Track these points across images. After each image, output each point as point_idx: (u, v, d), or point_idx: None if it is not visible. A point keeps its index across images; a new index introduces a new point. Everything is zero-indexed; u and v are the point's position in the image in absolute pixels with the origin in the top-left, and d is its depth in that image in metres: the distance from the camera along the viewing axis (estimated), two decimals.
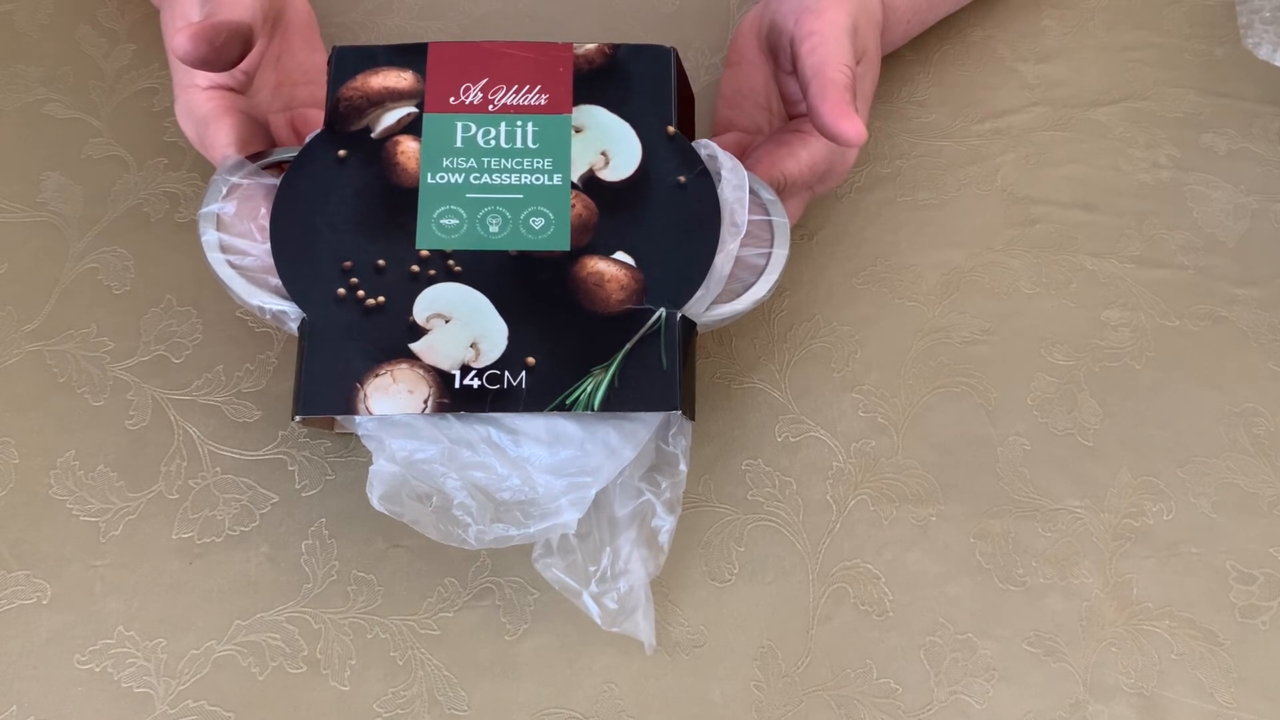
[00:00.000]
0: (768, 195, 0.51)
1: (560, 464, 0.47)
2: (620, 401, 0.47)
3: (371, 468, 0.47)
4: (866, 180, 0.62)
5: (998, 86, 0.67)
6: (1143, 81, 0.68)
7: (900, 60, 0.65)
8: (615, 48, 0.51)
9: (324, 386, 0.47)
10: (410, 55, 0.51)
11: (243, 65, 0.53)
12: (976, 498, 0.52)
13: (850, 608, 0.49)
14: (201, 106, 0.52)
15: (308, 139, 0.50)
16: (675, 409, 0.47)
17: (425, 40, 0.59)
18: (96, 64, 0.68)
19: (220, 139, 0.51)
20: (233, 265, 0.49)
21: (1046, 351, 0.57)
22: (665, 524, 0.48)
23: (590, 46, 0.51)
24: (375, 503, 0.46)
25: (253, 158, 0.51)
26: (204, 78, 0.52)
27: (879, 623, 0.49)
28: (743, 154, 0.54)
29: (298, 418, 0.47)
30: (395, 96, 0.50)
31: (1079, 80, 0.68)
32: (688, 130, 0.53)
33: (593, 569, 0.47)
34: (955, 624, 0.49)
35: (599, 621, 0.47)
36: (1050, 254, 0.60)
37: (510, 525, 0.46)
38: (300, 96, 0.56)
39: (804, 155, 0.53)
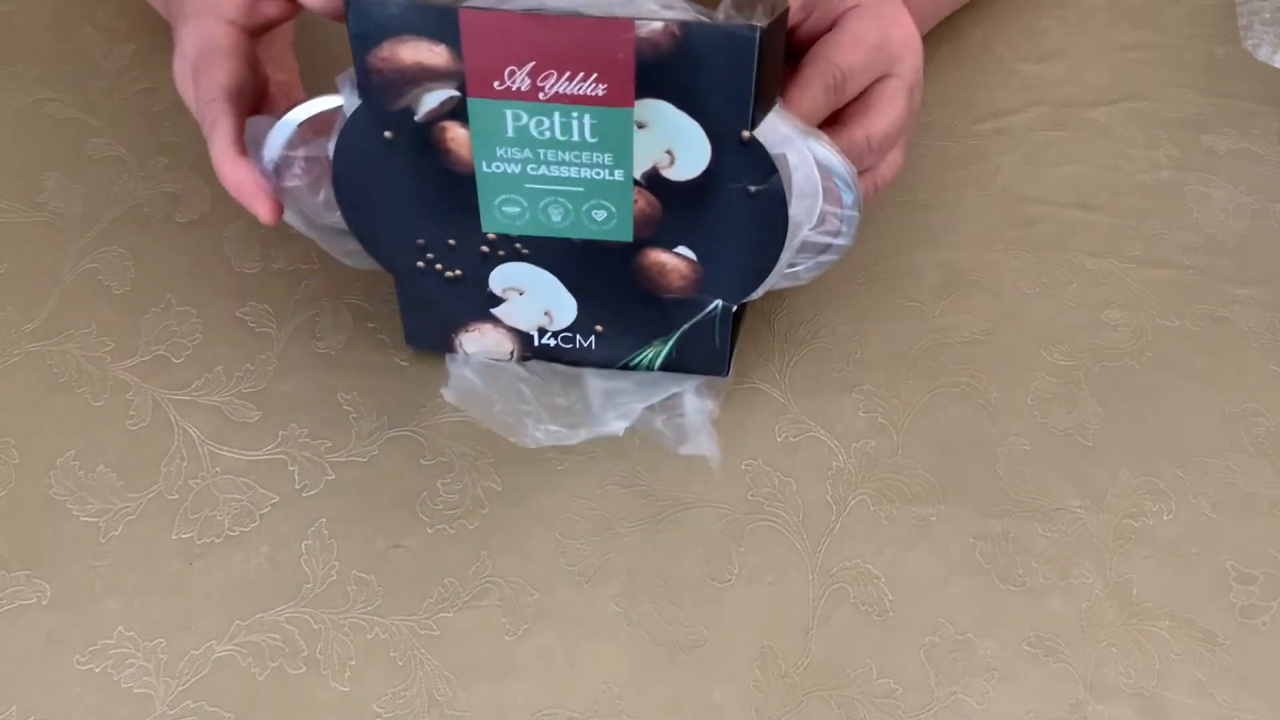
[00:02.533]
0: (845, 186, 0.47)
1: (614, 388, 0.53)
2: (677, 366, 0.54)
3: (451, 368, 0.54)
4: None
5: (998, 86, 0.67)
6: (1143, 81, 0.68)
7: None
8: (685, 29, 0.42)
9: (423, 331, 0.54)
10: (439, 25, 0.43)
11: (272, 18, 0.52)
12: (976, 498, 0.52)
13: (850, 608, 0.49)
14: (219, 38, 0.50)
15: (349, 112, 0.46)
16: (724, 375, 0.54)
17: None
18: (96, 64, 0.68)
19: (218, 75, 0.49)
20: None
21: (1046, 351, 0.57)
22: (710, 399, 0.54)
23: (656, 26, 0.42)
24: (449, 397, 0.53)
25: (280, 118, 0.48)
26: (231, 9, 0.51)
27: (879, 623, 0.49)
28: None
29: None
30: (432, 76, 0.44)
31: (1079, 80, 0.68)
32: (771, 96, 0.46)
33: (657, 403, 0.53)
34: (955, 624, 0.49)
35: (671, 446, 0.52)
36: (1050, 254, 0.60)
37: (564, 428, 0.52)
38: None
39: (846, 41, 0.49)
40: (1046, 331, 0.57)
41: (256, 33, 0.52)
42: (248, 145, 0.48)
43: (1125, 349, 0.57)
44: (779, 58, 0.46)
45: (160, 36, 0.70)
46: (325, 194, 0.49)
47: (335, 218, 0.50)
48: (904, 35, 0.51)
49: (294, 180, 0.49)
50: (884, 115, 0.50)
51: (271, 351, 0.56)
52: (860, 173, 0.50)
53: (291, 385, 0.55)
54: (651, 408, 0.53)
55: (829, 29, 0.51)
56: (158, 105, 0.66)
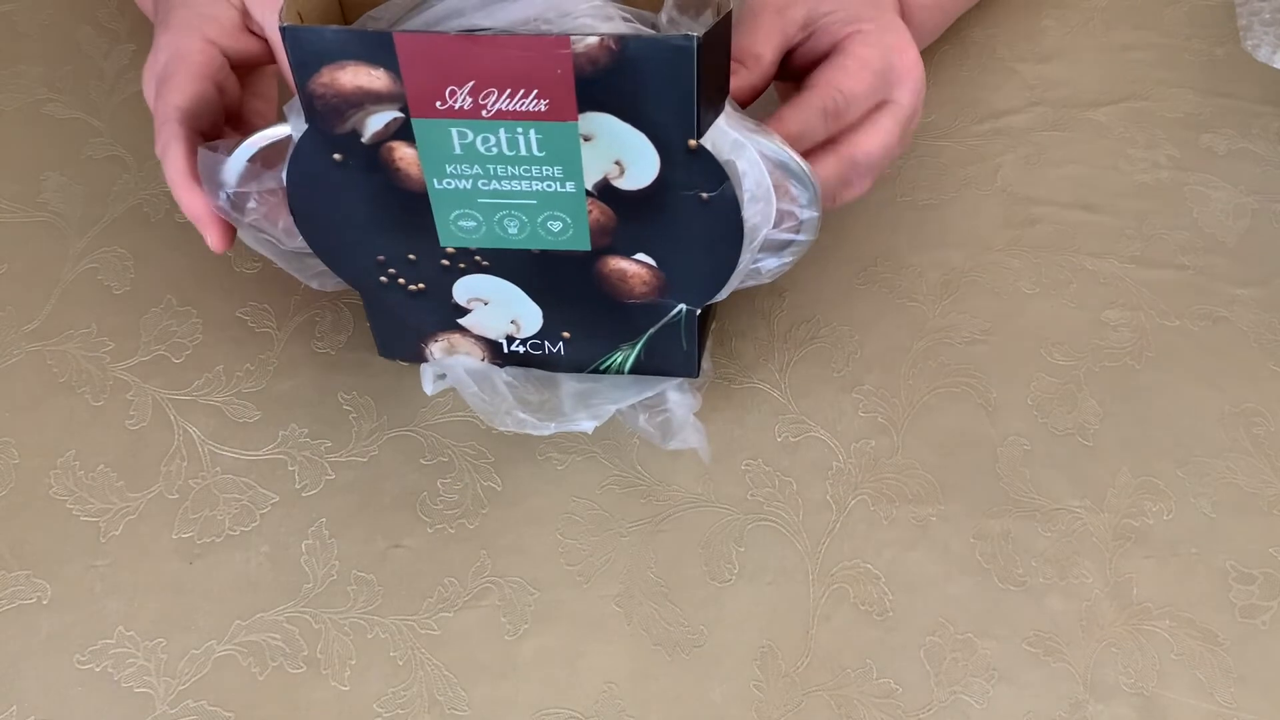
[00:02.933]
0: (800, 183, 0.47)
1: (586, 390, 0.54)
2: (646, 369, 0.53)
3: (425, 368, 0.54)
4: None
5: (998, 86, 0.67)
6: (1143, 81, 0.68)
7: None
8: (622, 43, 0.41)
9: (393, 343, 0.54)
10: (375, 49, 0.43)
11: (256, 54, 0.52)
12: (976, 498, 0.52)
13: (850, 608, 0.49)
14: (192, 54, 0.50)
15: (296, 136, 0.46)
16: (694, 376, 0.54)
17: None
18: (96, 64, 0.68)
19: (175, 96, 0.49)
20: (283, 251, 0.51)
21: (1046, 351, 0.57)
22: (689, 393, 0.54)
23: (591, 41, 0.41)
24: (427, 385, 0.53)
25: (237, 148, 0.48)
26: (215, 29, 0.50)
27: (879, 623, 0.49)
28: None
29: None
30: (373, 99, 0.44)
31: (1079, 80, 0.68)
32: (719, 100, 0.45)
33: (636, 405, 0.53)
34: (955, 624, 0.49)
35: (659, 443, 0.52)
36: (1050, 254, 0.60)
37: (535, 418, 0.52)
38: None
39: (852, 65, 0.49)
40: (1046, 331, 0.57)
41: (239, 62, 0.52)
42: (202, 180, 0.48)
43: (1125, 349, 0.57)
44: (725, 62, 0.45)
45: None
46: (285, 222, 0.49)
47: (299, 242, 0.50)
48: (908, 64, 0.50)
49: (253, 214, 0.49)
50: (874, 138, 0.50)
51: (271, 351, 0.56)
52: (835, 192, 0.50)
53: (291, 385, 0.55)
54: (634, 407, 0.53)
55: (830, 51, 0.50)
56: None
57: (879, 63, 0.49)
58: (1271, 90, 0.67)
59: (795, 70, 0.52)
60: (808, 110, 0.48)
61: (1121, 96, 0.67)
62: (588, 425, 0.52)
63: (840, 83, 0.49)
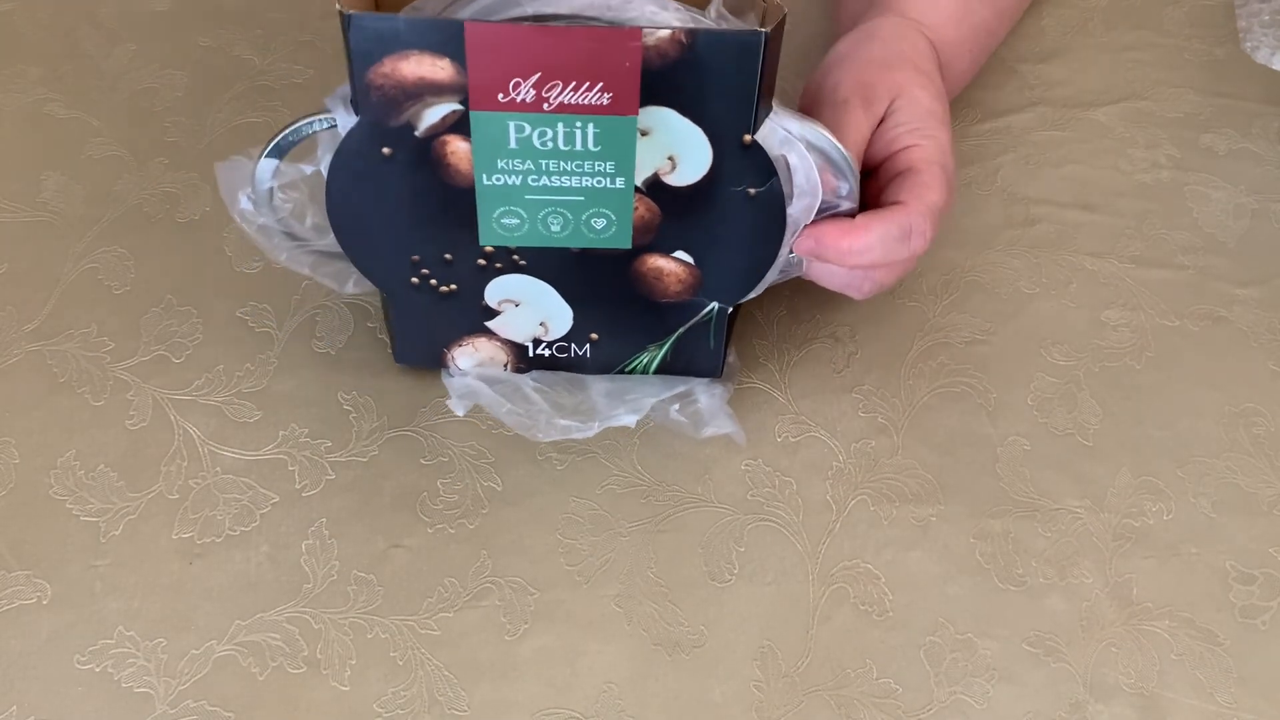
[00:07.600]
0: (841, 174, 0.48)
1: (617, 388, 0.54)
2: (671, 369, 0.54)
3: (448, 381, 0.54)
4: None
5: (998, 86, 0.67)
6: (1143, 81, 0.68)
7: None
8: (693, 36, 0.42)
9: (415, 348, 0.54)
10: (445, 39, 0.42)
11: None
12: (976, 498, 0.52)
13: (850, 608, 0.49)
14: None
15: (344, 129, 0.45)
16: (718, 376, 0.54)
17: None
18: (96, 64, 0.68)
19: None
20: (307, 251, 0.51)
21: (1046, 351, 0.57)
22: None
23: (663, 34, 0.42)
24: (456, 408, 0.53)
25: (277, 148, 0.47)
26: None
27: (879, 623, 0.49)
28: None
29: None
30: (434, 90, 0.43)
31: (1079, 80, 0.68)
32: (770, 98, 0.46)
33: (667, 397, 0.54)
34: (955, 624, 0.49)
35: (693, 432, 0.53)
36: (1050, 254, 0.60)
37: (576, 423, 0.52)
38: None
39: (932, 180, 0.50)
40: (1046, 331, 0.57)
41: None
42: (224, 193, 0.48)
43: (1125, 349, 0.57)
44: (776, 62, 0.46)
45: (161, 37, 0.70)
46: (313, 218, 0.49)
47: (327, 240, 0.49)
48: (952, 167, 0.52)
49: (281, 212, 0.48)
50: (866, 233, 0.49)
51: (271, 351, 0.56)
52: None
53: (291, 385, 0.55)
54: (663, 400, 0.53)
55: (896, 153, 0.51)
56: (158, 105, 0.66)
57: (949, 171, 0.51)
58: (1271, 90, 0.67)
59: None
60: (892, 224, 0.48)
61: (1121, 96, 0.67)
62: (629, 420, 0.52)
63: (927, 198, 0.49)
